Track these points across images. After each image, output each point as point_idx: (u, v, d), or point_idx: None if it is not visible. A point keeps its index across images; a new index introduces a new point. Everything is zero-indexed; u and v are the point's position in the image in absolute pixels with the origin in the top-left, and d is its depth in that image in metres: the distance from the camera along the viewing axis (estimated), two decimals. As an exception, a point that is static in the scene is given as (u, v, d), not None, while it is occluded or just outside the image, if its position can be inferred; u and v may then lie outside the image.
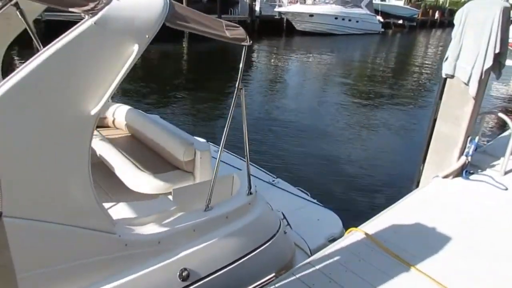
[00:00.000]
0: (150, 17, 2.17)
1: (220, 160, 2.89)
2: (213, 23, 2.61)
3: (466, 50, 3.53)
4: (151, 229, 2.46)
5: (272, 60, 20.58)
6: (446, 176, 3.87)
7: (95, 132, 4.84)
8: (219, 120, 10.23)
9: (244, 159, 3.53)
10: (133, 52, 2.08)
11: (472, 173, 3.98)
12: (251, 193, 3.13)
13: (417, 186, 4.13)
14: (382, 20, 35.13)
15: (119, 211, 2.78)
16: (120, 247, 2.28)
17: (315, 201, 4.78)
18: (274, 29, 29.88)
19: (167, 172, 3.98)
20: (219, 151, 2.88)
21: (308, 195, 4.91)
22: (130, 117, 4.79)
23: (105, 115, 4.97)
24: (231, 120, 2.78)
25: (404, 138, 8.98)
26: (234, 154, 5.58)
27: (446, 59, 3.68)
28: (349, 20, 32.29)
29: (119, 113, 4.92)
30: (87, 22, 1.84)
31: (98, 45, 1.94)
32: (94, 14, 1.86)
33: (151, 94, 12.15)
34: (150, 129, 4.46)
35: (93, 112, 1.98)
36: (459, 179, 3.91)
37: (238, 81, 2.84)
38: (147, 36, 2.13)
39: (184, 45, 22.90)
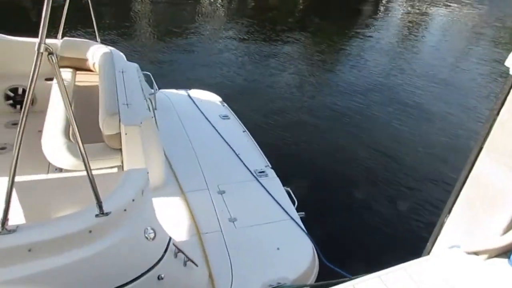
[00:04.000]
0: None
1: None
2: None
3: None
4: None
5: (402, 12, 17.15)
6: (475, 253, 2.16)
7: (68, 75, 4.26)
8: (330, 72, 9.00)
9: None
10: None
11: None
12: (104, 214, 2.10)
13: (430, 250, 2.48)
14: None
15: None
16: None
17: (297, 216, 3.48)
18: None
19: (92, 144, 3.20)
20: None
21: (294, 203, 3.62)
22: (101, 63, 4.03)
23: (86, 56, 4.33)
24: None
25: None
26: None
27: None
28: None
29: (98, 56, 4.20)
30: None
31: None
32: None
33: (260, 33, 11.33)
34: (104, 83, 3.65)
35: None
36: (501, 262, 2.13)
37: (39, 40, 1.72)
38: None
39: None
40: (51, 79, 4.14)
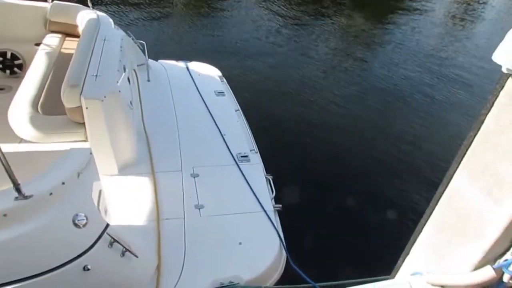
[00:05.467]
0: None
1: None
2: None
3: None
4: None
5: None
6: (441, 286, 1.79)
7: (55, 41, 4.10)
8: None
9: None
10: None
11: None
12: (24, 197, 1.93)
13: (400, 268, 2.12)
14: None
15: None
16: None
17: (271, 209, 3.20)
18: None
19: (55, 116, 3.06)
20: None
21: (271, 193, 3.34)
22: (84, 29, 3.82)
23: (75, 22, 4.13)
24: None
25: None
26: None
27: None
28: None
29: (85, 20, 3.99)
30: None
31: None
32: None
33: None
34: (78, 51, 3.44)
35: None
36: (473, 300, 1.75)
37: None
38: None
39: None
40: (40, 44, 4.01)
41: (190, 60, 5.10)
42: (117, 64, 3.34)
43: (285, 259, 2.91)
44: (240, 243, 2.84)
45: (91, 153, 2.35)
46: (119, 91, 3.03)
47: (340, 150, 5.06)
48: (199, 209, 3.05)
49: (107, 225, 2.25)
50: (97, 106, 2.87)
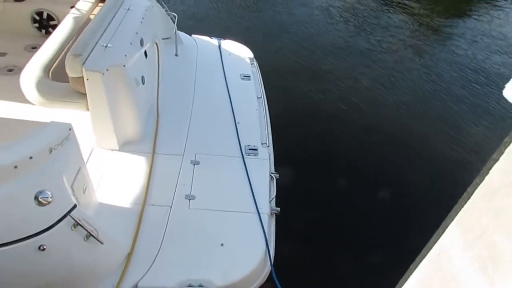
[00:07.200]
0: None
1: None
2: None
3: None
4: None
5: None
6: None
7: (86, 6, 4.05)
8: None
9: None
10: None
11: None
12: None
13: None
14: None
15: None
16: None
17: (267, 211, 2.96)
18: None
19: (60, 83, 3.02)
20: None
21: (272, 193, 3.10)
22: None
23: None
24: None
25: None
26: None
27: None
28: None
29: None
30: None
31: None
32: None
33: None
34: (94, 19, 3.34)
35: None
36: None
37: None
38: None
39: None
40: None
41: (225, 38, 4.85)
42: (132, 36, 3.20)
43: (268, 271, 2.66)
44: (222, 245, 2.64)
45: (70, 129, 2.25)
46: (124, 65, 2.89)
47: (370, 155, 4.57)
48: (190, 199, 2.88)
49: (74, 206, 2.15)
50: (97, 78, 2.77)
